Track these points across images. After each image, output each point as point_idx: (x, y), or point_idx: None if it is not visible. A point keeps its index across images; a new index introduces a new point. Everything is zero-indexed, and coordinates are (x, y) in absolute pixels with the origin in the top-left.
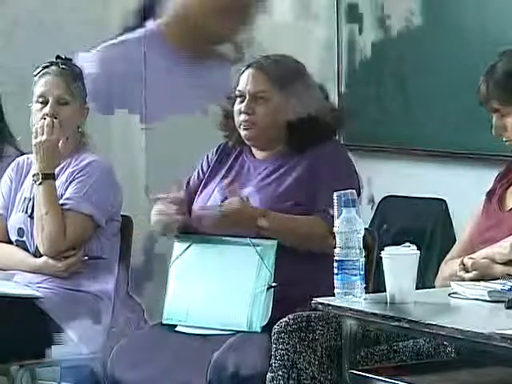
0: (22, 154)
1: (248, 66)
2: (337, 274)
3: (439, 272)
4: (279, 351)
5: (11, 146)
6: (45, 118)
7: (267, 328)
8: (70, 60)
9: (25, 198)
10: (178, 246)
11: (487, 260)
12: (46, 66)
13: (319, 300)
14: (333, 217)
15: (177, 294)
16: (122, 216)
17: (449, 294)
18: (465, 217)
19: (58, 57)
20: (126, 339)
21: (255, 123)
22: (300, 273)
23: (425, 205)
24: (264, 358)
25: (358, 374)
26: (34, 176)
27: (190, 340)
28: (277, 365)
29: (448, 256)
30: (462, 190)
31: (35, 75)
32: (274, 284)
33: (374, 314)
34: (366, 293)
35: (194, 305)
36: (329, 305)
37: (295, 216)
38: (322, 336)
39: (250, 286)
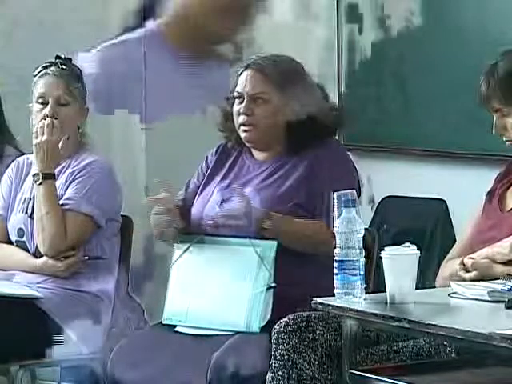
0: (22, 154)
1: (246, 67)
2: (337, 274)
3: (439, 272)
4: (279, 351)
5: (11, 146)
6: (45, 119)
7: (267, 328)
8: (70, 60)
9: (25, 199)
10: (179, 247)
11: (487, 260)
12: (46, 67)
13: (319, 300)
14: None
15: (177, 294)
16: (122, 216)
17: (449, 294)
18: (465, 217)
19: (57, 57)
20: (126, 339)
21: (254, 124)
22: (300, 273)
23: (425, 205)
24: (264, 358)
25: (358, 374)
26: (34, 176)
27: (189, 340)
28: (277, 365)
29: (448, 256)
30: (462, 190)
31: (35, 75)
32: (273, 285)
33: (374, 314)
34: (366, 293)
35: (194, 305)
36: (329, 305)
37: (299, 220)
38: (321, 336)
39: (249, 286)
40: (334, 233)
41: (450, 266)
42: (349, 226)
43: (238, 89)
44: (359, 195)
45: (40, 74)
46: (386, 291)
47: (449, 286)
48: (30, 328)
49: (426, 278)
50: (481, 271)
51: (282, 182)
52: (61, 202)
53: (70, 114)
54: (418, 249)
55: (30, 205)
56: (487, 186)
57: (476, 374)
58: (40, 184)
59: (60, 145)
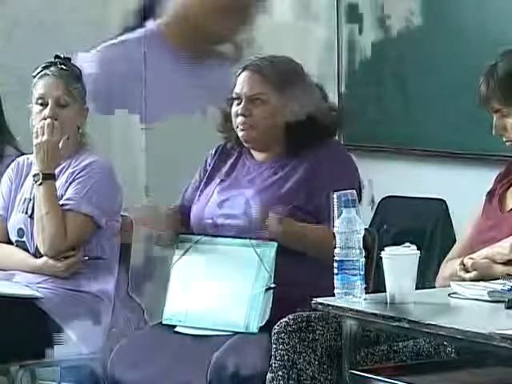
0: (22, 154)
1: (244, 68)
2: (337, 274)
3: (439, 272)
4: (279, 351)
5: (11, 146)
6: (45, 119)
7: (267, 328)
8: (69, 59)
9: (25, 199)
10: (180, 247)
11: (487, 260)
12: (45, 67)
13: (319, 300)
14: None
15: (177, 294)
16: (122, 216)
17: (449, 294)
18: (465, 217)
19: (56, 56)
20: (126, 339)
21: (252, 125)
22: (300, 273)
23: (425, 205)
24: (264, 359)
25: (358, 374)
26: (34, 176)
27: (189, 340)
28: (277, 365)
29: (448, 256)
30: (462, 190)
31: (34, 76)
32: (272, 285)
33: (374, 314)
34: (366, 293)
35: (194, 305)
36: (329, 305)
37: (308, 225)
38: (321, 336)
39: (248, 287)
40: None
41: (449, 266)
42: (349, 226)
43: (236, 90)
44: (361, 195)
45: (39, 74)
46: (386, 291)
47: (449, 286)
48: (30, 328)
49: (426, 278)
50: (481, 271)
51: (282, 183)
52: (61, 202)
53: (70, 115)
54: (418, 249)
55: (30, 205)
56: (487, 186)
57: (476, 373)
58: (40, 184)
59: (60, 145)
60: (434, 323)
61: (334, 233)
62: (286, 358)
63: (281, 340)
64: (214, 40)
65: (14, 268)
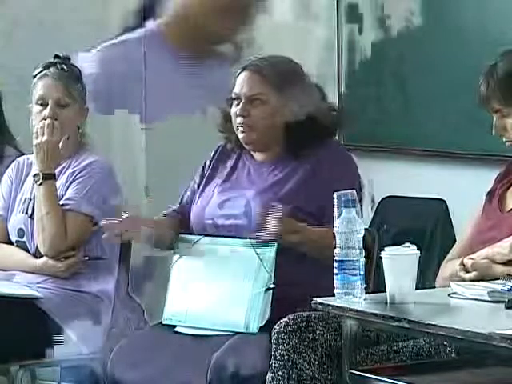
0: (22, 154)
1: (243, 69)
2: (337, 274)
3: (439, 272)
4: (279, 351)
5: (11, 146)
6: (45, 119)
7: (267, 328)
8: (69, 59)
9: (25, 199)
10: (180, 247)
11: (487, 260)
12: (45, 67)
13: (319, 300)
14: None
15: (177, 294)
16: None
17: (449, 294)
18: (465, 217)
19: (56, 56)
20: (126, 339)
21: (251, 126)
22: (300, 273)
23: (425, 205)
24: (264, 359)
25: (358, 374)
26: (34, 176)
27: (189, 340)
28: (277, 365)
29: (448, 256)
30: (462, 190)
31: (34, 76)
32: (272, 286)
33: (374, 315)
34: (366, 293)
35: (194, 305)
36: (329, 305)
37: (316, 228)
38: (321, 336)
39: (248, 287)
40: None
41: (449, 266)
42: (349, 226)
43: (236, 90)
44: (362, 196)
45: (39, 75)
46: (386, 291)
47: (449, 286)
48: (30, 328)
49: (426, 278)
50: (481, 271)
51: (282, 184)
52: (61, 202)
53: (70, 115)
54: (418, 249)
55: (31, 205)
56: (487, 186)
57: (476, 373)
58: (40, 184)
59: (60, 145)
60: (433, 323)
61: (333, 233)
62: (286, 357)
63: (281, 340)
64: (214, 40)
65: (14, 268)
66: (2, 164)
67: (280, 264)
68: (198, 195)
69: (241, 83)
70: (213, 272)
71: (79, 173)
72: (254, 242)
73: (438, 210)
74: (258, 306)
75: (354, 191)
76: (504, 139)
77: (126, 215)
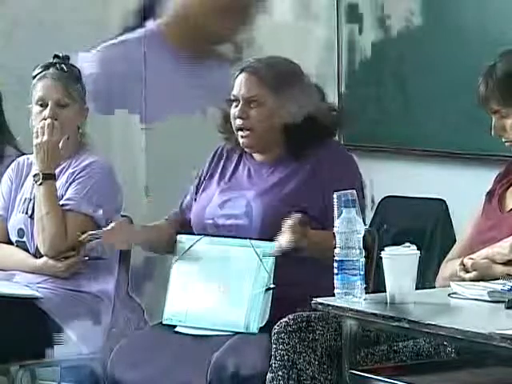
0: (22, 154)
1: (241, 70)
2: (337, 274)
3: (439, 272)
4: (279, 351)
5: (11, 146)
6: (45, 119)
7: (267, 328)
8: (68, 58)
9: (25, 199)
10: (180, 247)
11: (487, 260)
12: (45, 68)
13: (319, 300)
14: None
15: (177, 294)
16: (122, 216)
17: (449, 294)
18: (465, 217)
19: (55, 56)
20: (126, 339)
21: (250, 128)
22: (300, 273)
23: (425, 205)
24: (264, 359)
25: (358, 374)
26: (34, 176)
27: (189, 340)
28: (277, 365)
29: (448, 256)
30: (462, 190)
31: (34, 77)
32: (272, 286)
33: (374, 315)
34: (366, 293)
35: (194, 305)
36: (329, 305)
37: (323, 231)
38: (321, 336)
39: (248, 287)
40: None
41: (449, 266)
42: (349, 226)
43: (234, 92)
44: (363, 196)
45: (39, 76)
46: (386, 291)
47: (449, 286)
48: (30, 328)
49: (426, 278)
50: (481, 271)
51: (283, 184)
52: (61, 202)
53: (70, 115)
54: (418, 249)
55: (31, 205)
56: (487, 186)
57: (476, 373)
58: (40, 184)
59: (60, 145)
60: (433, 323)
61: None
62: (286, 358)
63: (281, 340)
64: (214, 40)
65: (14, 268)
66: (2, 164)
67: (280, 264)
68: (198, 195)
69: (238, 85)
70: (213, 272)
71: (79, 173)
72: (253, 241)
73: (437, 210)
74: (258, 306)
75: (354, 191)
76: (503, 140)
77: (112, 225)
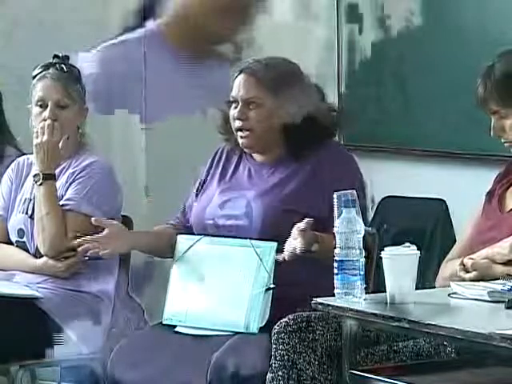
0: (23, 154)
1: (240, 72)
2: (337, 274)
3: (439, 272)
4: (279, 351)
5: (11, 146)
6: (45, 120)
7: (267, 328)
8: (68, 58)
9: (25, 199)
10: (180, 247)
11: (487, 260)
12: (44, 68)
13: (319, 300)
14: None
15: (177, 294)
16: (122, 216)
17: (449, 294)
18: (465, 217)
19: (55, 56)
20: (126, 339)
21: (249, 128)
22: (300, 273)
23: (425, 205)
24: (264, 359)
25: (358, 374)
26: (34, 177)
27: (189, 340)
28: (277, 365)
29: (448, 256)
30: (462, 190)
31: (34, 77)
32: (272, 286)
33: (374, 315)
34: (366, 293)
35: (194, 305)
36: (329, 305)
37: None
38: (321, 336)
39: (248, 287)
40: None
41: (449, 266)
42: (349, 226)
43: (233, 93)
44: (364, 196)
45: (38, 76)
46: (386, 291)
47: (449, 286)
48: (30, 328)
49: (426, 278)
50: (481, 271)
51: (283, 185)
52: (61, 202)
53: (70, 115)
54: (418, 249)
55: (31, 205)
56: (486, 186)
57: (476, 373)
58: (40, 184)
59: (60, 145)
60: (433, 323)
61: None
62: (286, 358)
63: (281, 340)
64: (214, 40)
65: (14, 268)
66: (2, 164)
67: (280, 264)
68: (198, 196)
69: (237, 86)
70: (213, 272)
71: (79, 173)
72: (253, 242)
73: (437, 210)
74: (258, 306)
75: (354, 191)
76: (502, 140)
77: (107, 231)
